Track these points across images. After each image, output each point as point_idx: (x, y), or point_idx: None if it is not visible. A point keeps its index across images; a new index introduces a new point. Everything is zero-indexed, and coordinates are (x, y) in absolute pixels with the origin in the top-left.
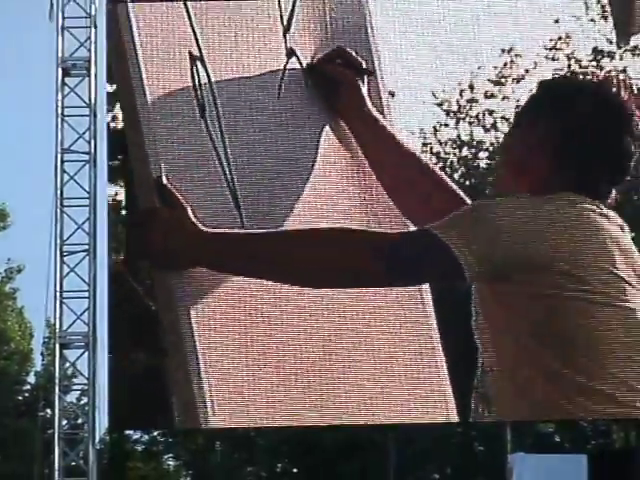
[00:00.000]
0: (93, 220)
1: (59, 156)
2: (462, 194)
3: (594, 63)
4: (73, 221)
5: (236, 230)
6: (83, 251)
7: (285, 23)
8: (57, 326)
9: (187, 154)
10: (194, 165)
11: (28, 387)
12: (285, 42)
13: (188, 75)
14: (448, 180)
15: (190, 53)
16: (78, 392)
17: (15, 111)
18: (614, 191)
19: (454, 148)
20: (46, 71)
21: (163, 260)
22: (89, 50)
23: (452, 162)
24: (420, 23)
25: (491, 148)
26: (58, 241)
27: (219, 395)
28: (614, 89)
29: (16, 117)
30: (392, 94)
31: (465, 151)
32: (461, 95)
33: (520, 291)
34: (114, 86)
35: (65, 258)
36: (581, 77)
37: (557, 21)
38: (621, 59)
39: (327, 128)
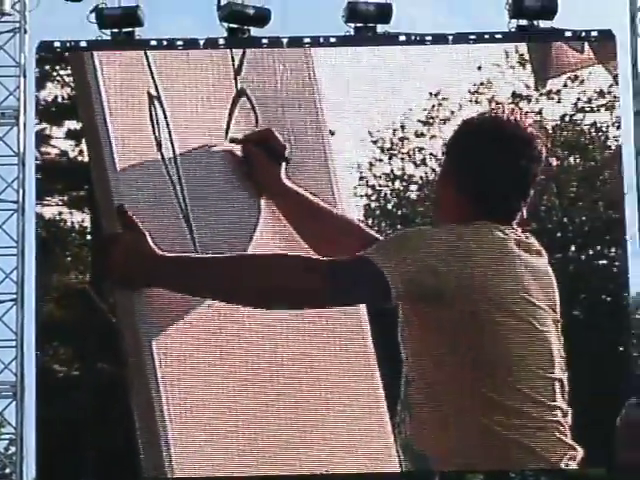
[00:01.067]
0: (21, 269)
1: None
2: (372, 232)
3: (513, 105)
4: (1, 270)
5: (188, 254)
6: (10, 300)
7: (236, 67)
8: None
9: (146, 185)
10: (152, 195)
11: None
12: (236, 83)
13: (147, 113)
14: (359, 223)
15: (149, 93)
16: (6, 442)
17: None
18: (524, 212)
19: (387, 181)
20: None
21: (123, 280)
22: (18, 99)
23: (385, 194)
24: (358, 73)
25: (420, 182)
26: None
27: (181, 443)
28: (512, 120)
29: None
30: (332, 133)
31: (397, 184)
32: (394, 134)
33: (440, 313)
34: (80, 124)
35: None
36: (488, 115)
37: (480, 68)
38: (537, 102)
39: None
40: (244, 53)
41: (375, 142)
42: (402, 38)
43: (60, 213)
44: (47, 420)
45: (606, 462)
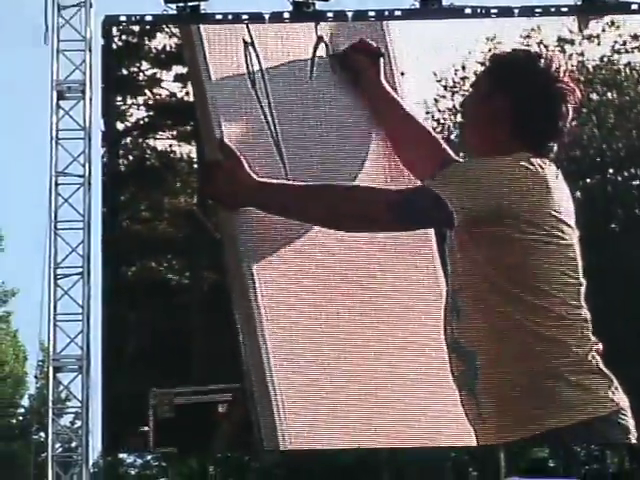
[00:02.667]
0: (87, 243)
1: (53, 179)
2: (448, 149)
3: (559, 48)
4: (67, 244)
5: (280, 180)
6: (77, 274)
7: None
8: (51, 349)
9: (242, 119)
10: (248, 127)
11: (22, 410)
12: (316, 31)
13: (242, 57)
14: (439, 138)
15: (244, 40)
16: (72, 415)
17: (9, 134)
18: (555, 147)
19: (450, 115)
20: (41, 94)
21: (224, 201)
22: (84, 73)
23: (449, 126)
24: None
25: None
26: (52, 264)
27: (290, 417)
28: (553, 66)
29: (10, 140)
30: (403, 74)
31: (459, 117)
32: (455, 74)
33: (495, 236)
34: (185, 69)
35: (59, 281)
36: (527, 53)
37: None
38: (580, 45)
39: (352, 106)
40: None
41: (439, 81)
42: (468, 11)
43: (170, 145)
44: (113, 393)
45: None
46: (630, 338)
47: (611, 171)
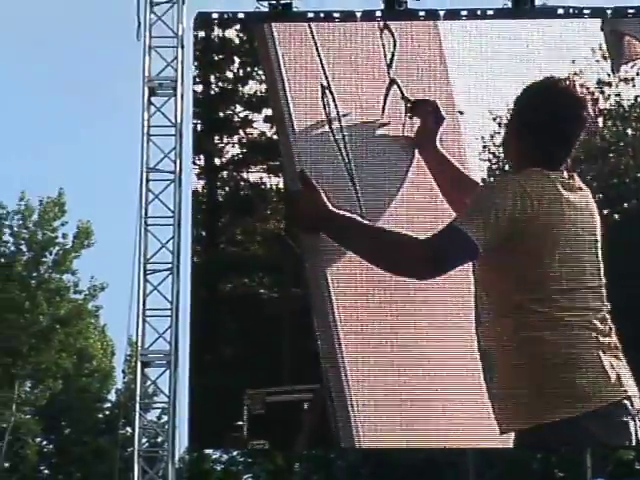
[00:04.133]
0: (177, 239)
1: (144, 175)
2: None
3: (599, 89)
4: (157, 240)
5: (350, 214)
6: (166, 270)
7: (388, 59)
8: (139, 344)
9: (320, 154)
10: (326, 162)
11: (109, 405)
12: (388, 73)
13: (320, 102)
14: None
15: (321, 85)
16: (159, 410)
17: (101, 130)
18: (569, 162)
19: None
20: (133, 90)
21: (305, 226)
22: (175, 70)
23: (503, 158)
24: (480, 60)
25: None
26: (142, 259)
27: (363, 416)
28: (572, 90)
29: (102, 136)
30: (461, 113)
31: None
32: (508, 112)
33: (513, 258)
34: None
35: (148, 276)
36: (552, 82)
37: (574, 61)
38: (617, 87)
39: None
40: (395, 44)
41: (494, 119)
42: (560, 11)
43: (261, 177)
44: (201, 389)
45: None
46: None
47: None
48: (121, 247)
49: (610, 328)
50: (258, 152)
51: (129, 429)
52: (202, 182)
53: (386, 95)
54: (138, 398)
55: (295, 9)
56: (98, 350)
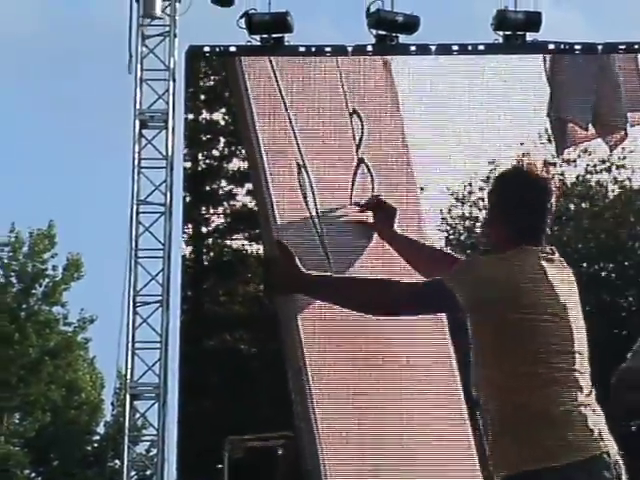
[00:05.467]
0: (167, 271)
1: (134, 207)
2: (456, 255)
3: (544, 169)
4: (147, 272)
5: (324, 274)
6: (156, 302)
7: (357, 142)
8: (128, 377)
9: (296, 226)
10: (300, 233)
11: (97, 437)
12: (357, 154)
13: (296, 178)
14: (448, 251)
15: (297, 163)
16: (147, 443)
17: (92, 161)
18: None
19: (461, 220)
20: (124, 123)
21: (281, 289)
22: (167, 102)
23: (459, 229)
24: (440, 138)
25: (482, 221)
26: (131, 292)
27: (333, 463)
28: (538, 172)
29: (93, 168)
30: (422, 189)
31: (467, 222)
32: (464, 188)
33: (494, 318)
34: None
35: (138, 309)
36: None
37: (522, 144)
38: (560, 166)
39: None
40: (362, 128)
41: (452, 194)
42: (551, 47)
43: (243, 244)
44: (189, 421)
45: None
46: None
47: (585, 265)
48: (111, 279)
49: (591, 390)
50: (240, 222)
51: (118, 462)
52: (190, 248)
53: (354, 176)
54: (127, 431)
55: (287, 43)
56: (87, 382)
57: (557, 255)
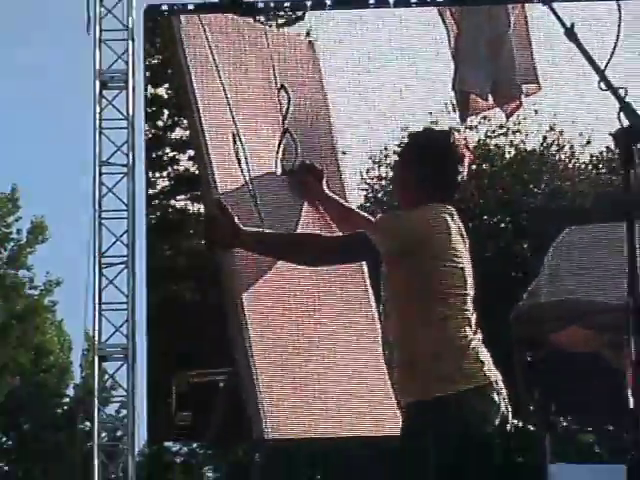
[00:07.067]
0: (132, 232)
1: (97, 169)
2: (371, 218)
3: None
4: (112, 233)
5: (260, 230)
6: (121, 263)
7: (283, 114)
8: (96, 338)
9: (230, 188)
10: (235, 194)
11: (67, 400)
12: (283, 124)
13: (231, 146)
14: (364, 214)
15: (232, 134)
16: (117, 404)
17: (53, 124)
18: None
19: (379, 181)
20: (84, 84)
21: (221, 244)
22: (126, 62)
23: (376, 189)
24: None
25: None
26: (97, 253)
27: (272, 408)
28: (452, 139)
29: (54, 130)
30: (344, 152)
31: (384, 182)
32: (381, 152)
33: (409, 265)
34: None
35: (104, 270)
36: (435, 131)
37: (430, 113)
38: (465, 132)
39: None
40: (289, 101)
41: (370, 158)
42: None
43: (185, 204)
44: (159, 382)
45: None
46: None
47: (485, 217)
48: (76, 242)
49: (477, 329)
50: (183, 184)
51: (88, 424)
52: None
53: (279, 144)
54: (96, 392)
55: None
56: (55, 345)
57: (454, 210)
